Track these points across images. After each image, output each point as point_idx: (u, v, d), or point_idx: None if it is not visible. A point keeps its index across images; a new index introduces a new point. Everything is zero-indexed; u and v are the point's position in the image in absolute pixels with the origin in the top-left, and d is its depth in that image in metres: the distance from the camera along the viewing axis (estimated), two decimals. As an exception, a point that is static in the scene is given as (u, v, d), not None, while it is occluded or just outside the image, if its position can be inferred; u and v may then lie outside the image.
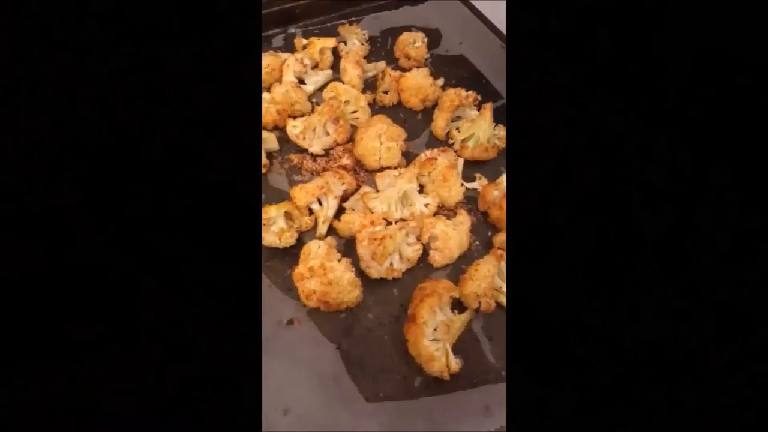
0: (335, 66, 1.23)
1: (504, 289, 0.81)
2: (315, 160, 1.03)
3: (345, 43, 1.27)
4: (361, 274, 0.84)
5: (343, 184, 0.93)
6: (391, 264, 0.84)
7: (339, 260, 0.80)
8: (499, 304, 0.81)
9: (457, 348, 0.76)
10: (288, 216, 0.90)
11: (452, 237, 0.85)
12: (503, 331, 0.79)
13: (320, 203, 0.92)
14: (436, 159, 0.94)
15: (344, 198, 0.94)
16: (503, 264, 0.82)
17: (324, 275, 0.78)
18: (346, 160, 1.01)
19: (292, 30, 1.35)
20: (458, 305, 0.81)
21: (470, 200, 0.97)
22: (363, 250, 0.82)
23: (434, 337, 0.74)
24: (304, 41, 1.26)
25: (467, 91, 1.07)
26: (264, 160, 1.00)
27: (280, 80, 1.16)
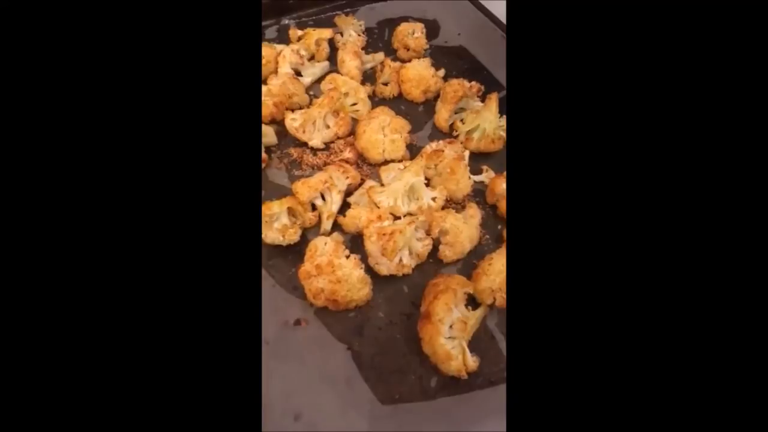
0: (332, 58, 1.19)
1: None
2: (315, 154, 1.00)
3: (342, 35, 1.23)
4: (369, 271, 0.80)
5: (347, 178, 0.89)
6: (401, 260, 0.80)
7: (347, 257, 0.77)
8: (513, 300, 0.79)
9: (472, 345, 0.73)
10: (291, 212, 0.86)
11: (463, 231, 0.82)
12: (519, 327, 0.77)
13: (323, 198, 0.89)
14: (443, 151, 0.91)
15: (348, 193, 0.91)
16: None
17: (332, 273, 0.75)
18: (348, 154, 0.98)
19: (285, 21, 1.31)
20: (471, 301, 0.78)
21: (477, 193, 0.94)
22: (372, 246, 0.79)
23: (450, 334, 0.71)
24: (300, 32, 1.22)
25: (470, 82, 1.05)
26: (263, 154, 0.96)
27: (275, 72, 1.12)
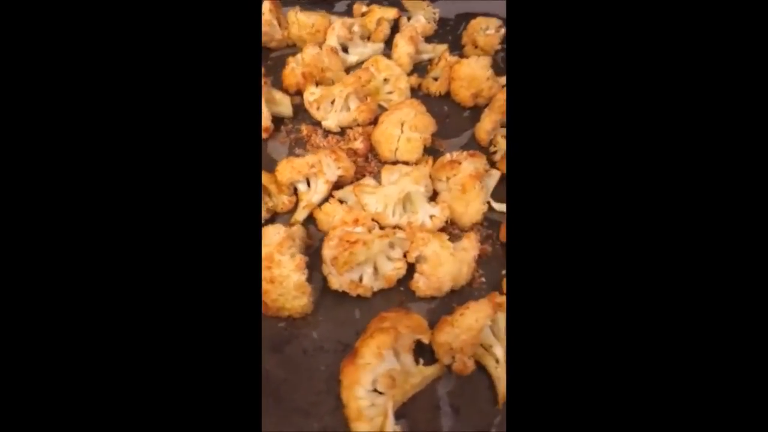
0: (390, 41, 1.06)
1: (494, 349, 0.60)
2: (326, 137, 0.87)
3: (408, 18, 1.10)
4: (323, 280, 0.67)
5: (339, 167, 0.76)
6: (361, 278, 0.65)
7: (293, 255, 0.63)
8: (481, 368, 0.60)
9: (407, 410, 0.56)
10: (265, 191, 0.74)
11: (445, 263, 0.64)
12: (476, 405, 0.58)
13: (309, 184, 0.76)
14: (460, 163, 0.74)
15: (339, 185, 0.77)
16: (501, 316, 0.60)
17: (268, 268, 0.62)
18: (359, 144, 0.84)
19: (360, -3, 1.20)
20: (429, 354, 0.60)
21: (492, 225, 0.75)
22: (328, 251, 0.65)
23: (375, 387, 0.54)
24: (364, 8, 1.11)
25: (531, 93, 0.86)
26: (267, 123, 0.85)
27: (321, 45, 1.02)
